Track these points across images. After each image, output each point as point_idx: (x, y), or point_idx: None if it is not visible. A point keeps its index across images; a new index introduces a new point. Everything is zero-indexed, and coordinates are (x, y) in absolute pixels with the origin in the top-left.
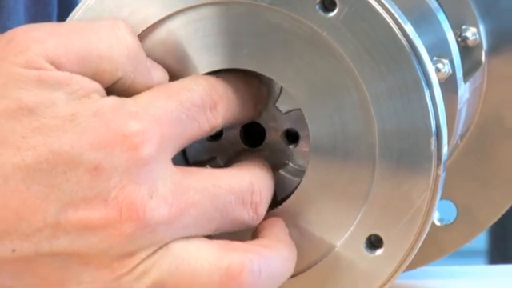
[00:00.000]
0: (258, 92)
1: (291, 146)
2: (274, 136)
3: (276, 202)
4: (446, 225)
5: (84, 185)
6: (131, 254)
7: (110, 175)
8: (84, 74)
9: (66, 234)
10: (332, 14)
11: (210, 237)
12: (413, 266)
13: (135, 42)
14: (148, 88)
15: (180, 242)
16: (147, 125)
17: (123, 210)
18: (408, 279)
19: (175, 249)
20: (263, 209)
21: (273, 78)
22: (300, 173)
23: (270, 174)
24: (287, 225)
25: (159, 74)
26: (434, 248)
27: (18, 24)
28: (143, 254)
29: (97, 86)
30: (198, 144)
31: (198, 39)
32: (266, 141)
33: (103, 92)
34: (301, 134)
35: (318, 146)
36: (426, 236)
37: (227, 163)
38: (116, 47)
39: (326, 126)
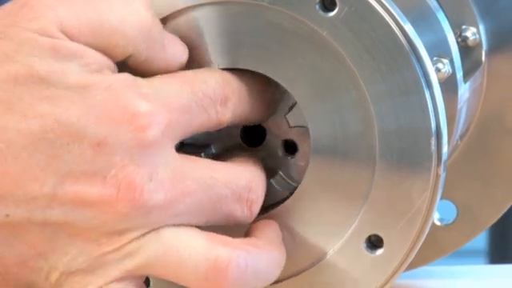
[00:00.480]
0: (272, 97)
1: (287, 156)
2: (273, 141)
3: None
4: (446, 224)
5: (86, 159)
6: (121, 233)
7: (112, 152)
8: (95, 47)
9: (61, 206)
10: (332, 14)
11: (200, 229)
12: (413, 265)
13: (150, 17)
14: (164, 65)
15: (171, 228)
16: (156, 108)
17: (121, 188)
18: (408, 279)
19: (165, 234)
20: (257, 208)
21: (272, 77)
22: (288, 186)
23: (265, 176)
24: (285, 226)
25: (177, 51)
26: (434, 248)
27: None
28: (133, 235)
29: (109, 61)
30: None
31: (196, 40)
32: (264, 144)
33: (115, 68)
34: (300, 147)
35: (319, 146)
36: (427, 236)
37: (220, 154)
38: (128, 21)
39: (326, 125)
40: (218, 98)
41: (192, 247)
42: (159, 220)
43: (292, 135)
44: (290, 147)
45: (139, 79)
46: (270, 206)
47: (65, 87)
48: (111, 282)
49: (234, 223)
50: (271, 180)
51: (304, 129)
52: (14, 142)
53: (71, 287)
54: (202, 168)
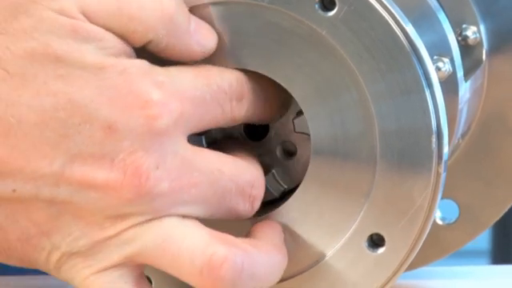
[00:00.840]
0: (283, 101)
1: (284, 158)
2: (274, 140)
3: None
4: (448, 224)
5: (95, 141)
6: (124, 217)
7: (122, 137)
8: (113, 31)
9: (68, 185)
10: (331, 13)
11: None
12: (415, 265)
13: (173, 4)
14: (187, 52)
15: (174, 218)
16: (170, 97)
17: (127, 173)
18: (410, 279)
19: (167, 223)
20: (258, 203)
21: (272, 77)
22: (278, 187)
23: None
24: (286, 226)
25: (204, 38)
26: (436, 247)
27: None
28: (136, 220)
29: (127, 47)
30: None
31: None
32: (265, 140)
33: (132, 54)
34: (298, 152)
35: (319, 146)
36: (429, 235)
37: (220, 140)
38: (148, 8)
39: (326, 125)
40: (233, 93)
41: (191, 240)
42: (163, 208)
43: (294, 139)
44: (289, 150)
45: (156, 67)
46: (265, 206)
47: (80, 67)
48: (110, 267)
49: (236, 217)
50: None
51: (307, 136)
52: (25, 118)
53: (70, 269)
54: (211, 160)
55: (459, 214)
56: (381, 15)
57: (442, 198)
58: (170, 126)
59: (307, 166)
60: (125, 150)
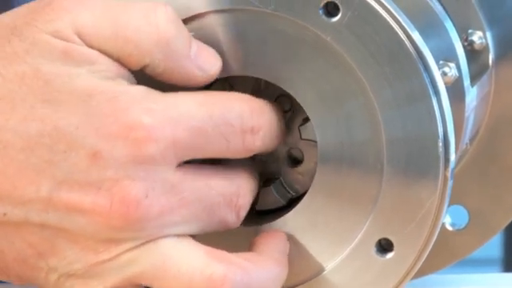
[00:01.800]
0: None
1: (291, 165)
2: (280, 147)
3: (252, 212)
4: (457, 229)
5: (81, 168)
6: (118, 242)
7: (106, 165)
8: (109, 54)
9: (56, 211)
10: (335, 19)
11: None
12: (424, 272)
13: (171, 29)
14: (187, 77)
15: (169, 239)
16: (159, 124)
17: (114, 202)
18: (420, 287)
19: (163, 245)
20: (244, 213)
21: (278, 84)
22: (285, 194)
23: (256, 180)
24: (293, 234)
25: (206, 63)
26: (446, 253)
27: None
28: (130, 245)
29: (123, 70)
30: None
31: None
32: None
33: (130, 77)
34: (305, 160)
35: (326, 154)
36: (438, 241)
37: None
38: (144, 32)
39: (333, 132)
40: (245, 125)
41: (189, 260)
42: (155, 232)
43: (301, 146)
44: (296, 157)
45: (152, 93)
46: (270, 214)
47: (69, 92)
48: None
49: (224, 229)
50: (271, 186)
51: (314, 143)
52: (11, 143)
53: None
54: (199, 176)
55: (469, 220)
56: (385, 20)
57: (451, 204)
58: (157, 153)
59: (314, 173)
60: (110, 179)
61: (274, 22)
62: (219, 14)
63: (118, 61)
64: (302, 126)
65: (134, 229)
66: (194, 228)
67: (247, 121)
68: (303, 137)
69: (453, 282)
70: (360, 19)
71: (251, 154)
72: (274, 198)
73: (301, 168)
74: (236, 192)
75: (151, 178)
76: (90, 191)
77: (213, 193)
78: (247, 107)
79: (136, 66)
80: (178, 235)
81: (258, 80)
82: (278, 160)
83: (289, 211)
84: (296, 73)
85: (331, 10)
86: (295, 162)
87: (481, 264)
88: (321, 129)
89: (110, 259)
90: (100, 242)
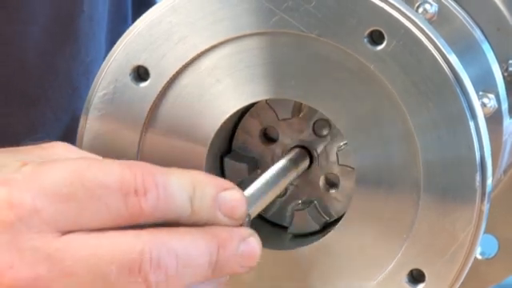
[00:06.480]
0: None
1: (327, 189)
2: (317, 171)
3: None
4: (487, 258)
5: None
6: None
7: None
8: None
9: None
10: (380, 48)
11: None
12: None
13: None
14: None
15: None
16: (18, 194)
17: None
18: None
19: None
20: (164, 278)
21: (318, 109)
22: (319, 218)
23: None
24: (327, 259)
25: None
26: (475, 281)
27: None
28: None
29: None
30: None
31: (242, 70)
32: (308, 171)
33: None
34: (341, 185)
35: (363, 178)
36: (468, 269)
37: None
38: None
39: (370, 157)
40: (125, 188)
41: None
42: None
43: (337, 171)
44: (332, 181)
45: (18, 169)
46: (303, 237)
47: None
48: None
49: None
50: (305, 209)
51: (351, 170)
52: None
53: None
54: (85, 246)
55: (498, 249)
56: (428, 50)
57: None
58: (16, 220)
59: (349, 198)
60: None
61: (317, 46)
62: (260, 37)
63: None
64: (340, 152)
65: None
66: None
67: (128, 183)
68: (341, 162)
69: None
70: (404, 49)
71: (144, 219)
72: (308, 221)
73: (336, 193)
74: (137, 258)
75: (16, 247)
76: None
77: (102, 263)
78: (127, 170)
79: None
80: None
81: (297, 103)
82: (314, 184)
83: (323, 235)
84: (336, 98)
85: (376, 38)
86: (331, 186)
87: None
88: (358, 154)
89: None
90: None
